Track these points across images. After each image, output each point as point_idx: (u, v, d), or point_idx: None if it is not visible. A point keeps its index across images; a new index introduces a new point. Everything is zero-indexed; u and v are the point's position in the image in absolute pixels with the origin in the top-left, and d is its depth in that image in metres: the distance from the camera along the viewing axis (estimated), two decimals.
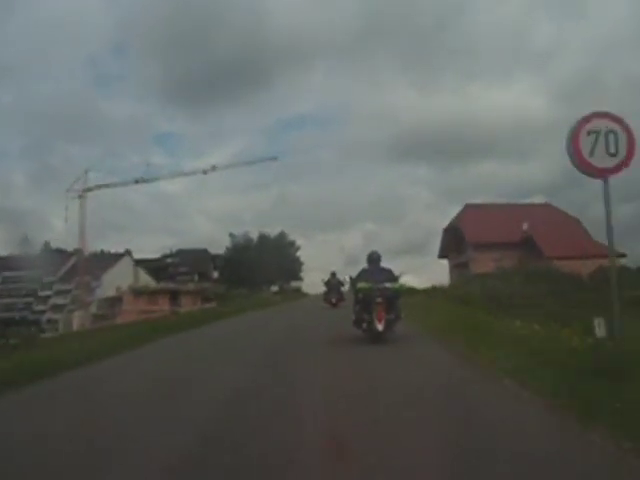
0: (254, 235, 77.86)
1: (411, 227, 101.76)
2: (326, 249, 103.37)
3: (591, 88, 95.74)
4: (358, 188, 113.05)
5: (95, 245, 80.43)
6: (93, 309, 56.11)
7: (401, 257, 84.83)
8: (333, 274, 21.84)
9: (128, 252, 66.97)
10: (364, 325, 9.40)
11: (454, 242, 46.00)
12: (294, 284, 74.92)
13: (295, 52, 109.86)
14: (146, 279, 63.07)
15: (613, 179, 6.15)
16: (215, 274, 79.82)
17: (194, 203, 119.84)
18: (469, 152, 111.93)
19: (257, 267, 68.10)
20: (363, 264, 10.27)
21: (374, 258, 10.10)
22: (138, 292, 51.87)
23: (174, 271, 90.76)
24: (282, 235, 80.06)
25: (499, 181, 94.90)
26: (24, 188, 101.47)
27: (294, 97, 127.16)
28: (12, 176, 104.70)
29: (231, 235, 78.05)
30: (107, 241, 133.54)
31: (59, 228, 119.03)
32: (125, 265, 63.03)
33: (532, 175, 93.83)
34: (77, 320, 53.11)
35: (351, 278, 10.42)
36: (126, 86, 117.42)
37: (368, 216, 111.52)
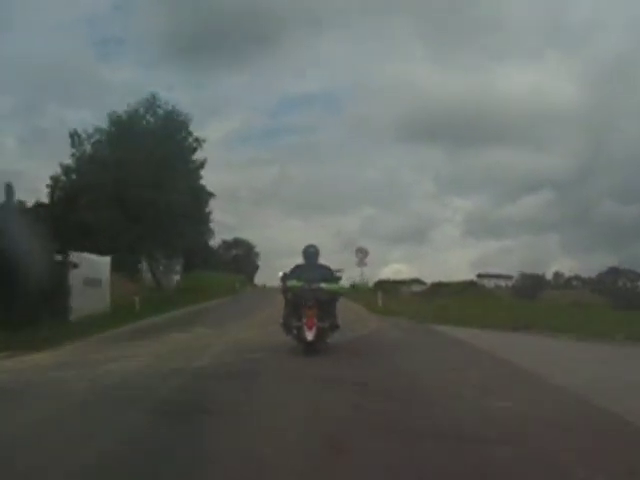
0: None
1: (411, 215, 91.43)
2: (323, 233, 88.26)
3: (628, 73, 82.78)
4: (361, 170, 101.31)
5: None
6: None
7: (398, 245, 73.64)
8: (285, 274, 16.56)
9: None
10: (294, 331, 8.39)
11: None
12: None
13: (303, 19, 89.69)
14: None
15: None
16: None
17: None
18: (482, 137, 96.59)
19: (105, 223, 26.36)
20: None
21: (310, 253, 9.14)
22: None
23: None
24: (168, 121, 30.76)
25: (510, 172, 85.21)
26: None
27: (299, 70, 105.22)
28: None
29: (61, 167, 29.80)
30: None
31: None
32: None
33: (545, 167, 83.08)
34: None
35: (285, 275, 9.01)
36: (123, 49, 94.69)
37: (368, 200, 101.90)
